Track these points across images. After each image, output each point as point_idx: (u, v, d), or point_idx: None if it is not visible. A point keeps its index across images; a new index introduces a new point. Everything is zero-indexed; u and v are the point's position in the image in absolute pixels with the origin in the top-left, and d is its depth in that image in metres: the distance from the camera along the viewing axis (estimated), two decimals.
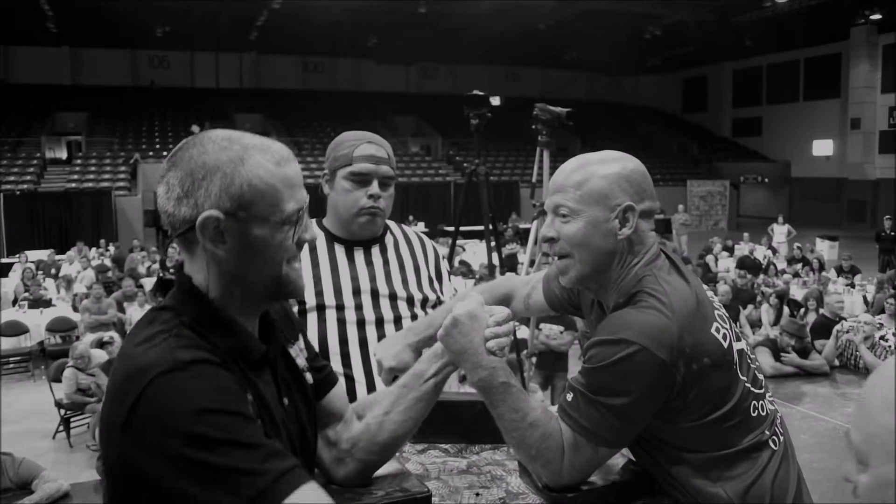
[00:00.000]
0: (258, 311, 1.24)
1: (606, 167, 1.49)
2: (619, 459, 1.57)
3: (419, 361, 1.49)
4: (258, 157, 1.15)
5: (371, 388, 1.97)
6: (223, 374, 1.07)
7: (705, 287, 1.54)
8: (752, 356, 1.52)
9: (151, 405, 1.01)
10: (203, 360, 1.06)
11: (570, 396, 1.42)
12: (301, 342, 1.39)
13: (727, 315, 1.51)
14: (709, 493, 1.42)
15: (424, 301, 2.15)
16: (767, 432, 1.46)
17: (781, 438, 1.50)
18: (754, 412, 1.44)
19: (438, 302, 2.19)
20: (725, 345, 1.41)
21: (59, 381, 7.26)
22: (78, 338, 9.66)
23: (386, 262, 2.14)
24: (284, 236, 1.16)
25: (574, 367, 1.53)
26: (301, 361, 1.36)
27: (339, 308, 2.02)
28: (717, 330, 1.42)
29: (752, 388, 1.46)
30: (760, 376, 1.52)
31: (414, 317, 2.10)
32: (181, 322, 1.12)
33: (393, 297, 2.09)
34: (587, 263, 1.48)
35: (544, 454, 1.41)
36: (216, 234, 1.13)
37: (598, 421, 1.38)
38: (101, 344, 7.79)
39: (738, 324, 8.97)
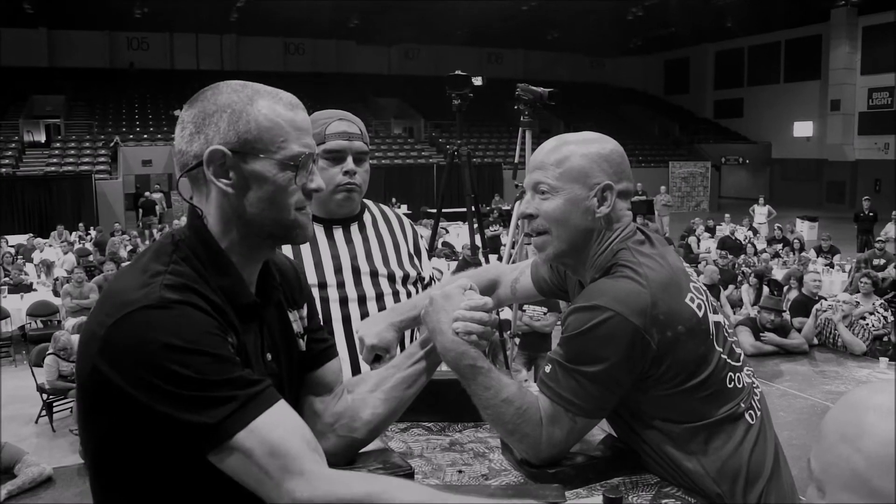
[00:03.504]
0: (259, 256, 1.26)
1: (586, 147, 1.52)
2: (601, 434, 1.59)
3: (412, 344, 1.52)
4: (268, 100, 1.18)
5: (355, 365, 1.98)
6: (204, 319, 1.10)
7: (686, 264, 1.57)
8: (729, 330, 1.55)
9: (129, 333, 1.05)
10: (188, 303, 1.09)
11: (548, 368, 1.45)
12: (305, 311, 1.42)
13: (704, 289, 1.54)
14: (686, 467, 1.46)
15: (405, 277, 2.16)
16: (743, 405, 1.48)
17: (759, 413, 1.53)
18: (730, 384, 1.47)
19: (419, 278, 2.20)
20: (700, 314, 1.44)
21: (41, 366, 7.23)
22: (59, 322, 9.61)
23: (366, 240, 2.14)
24: (289, 178, 1.18)
25: None
26: (297, 327, 1.39)
27: (322, 286, 2.02)
28: (692, 300, 1.44)
29: (729, 360, 1.48)
30: (738, 350, 1.54)
31: (395, 293, 2.11)
32: (181, 257, 1.16)
33: (374, 275, 2.10)
34: (564, 240, 1.51)
35: (521, 428, 1.43)
36: (221, 169, 1.16)
37: (575, 390, 1.40)
38: None
39: (718, 303, 9.09)
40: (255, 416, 1.07)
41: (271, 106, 1.18)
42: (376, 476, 1.14)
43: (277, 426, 1.08)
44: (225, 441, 1.05)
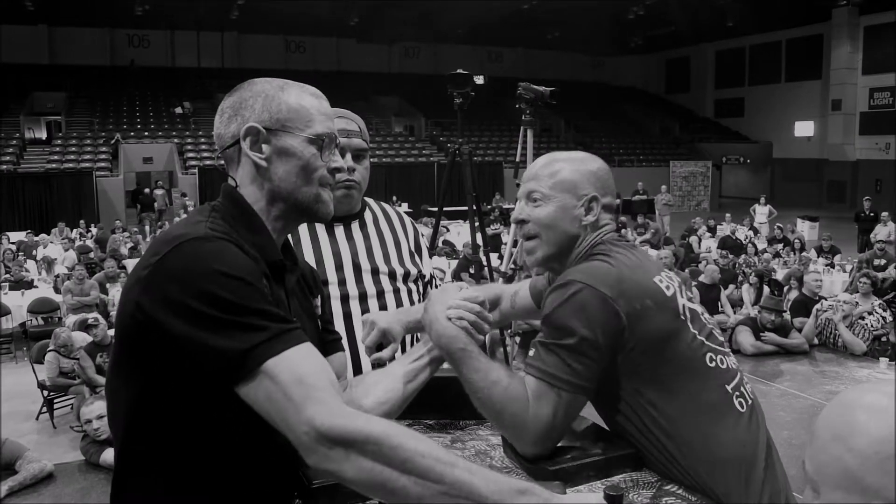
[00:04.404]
0: (285, 228, 1.38)
1: (577, 163, 1.68)
2: (600, 434, 1.60)
3: (416, 344, 1.59)
4: (296, 89, 1.36)
5: (355, 362, 1.99)
6: (244, 256, 1.21)
7: (669, 271, 1.64)
8: (708, 318, 1.62)
9: (175, 260, 1.16)
10: (232, 241, 1.22)
11: (532, 352, 1.52)
12: (319, 301, 1.52)
13: (679, 280, 1.61)
14: (675, 453, 1.49)
15: (406, 275, 2.16)
16: (730, 388, 1.54)
17: (749, 402, 1.57)
18: (711, 363, 1.54)
19: (419, 276, 2.21)
20: (669, 294, 1.53)
21: (42, 362, 7.23)
22: (60, 319, 9.61)
23: (367, 238, 2.15)
24: (314, 154, 1.33)
25: None
26: (317, 311, 1.49)
27: (323, 283, 2.03)
28: (661, 281, 1.54)
29: (707, 342, 1.55)
30: (720, 338, 1.62)
31: (396, 291, 2.12)
32: (218, 216, 1.29)
33: (375, 272, 2.11)
34: (553, 244, 1.64)
35: (509, 407, 1.46)
36: (256, 144, 1.32)
37: (556, 364, 1.46)
38: (85, 327, 7.74)
39: (719, 303, 9.09)
40: (285, 349, 1.14)
41: (299, 93, 1.35)
42: (396, 423, 1.18)
43: (305, 362, 1.15)
44: (254, 368, 1.12)
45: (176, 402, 1.21)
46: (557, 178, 1.64)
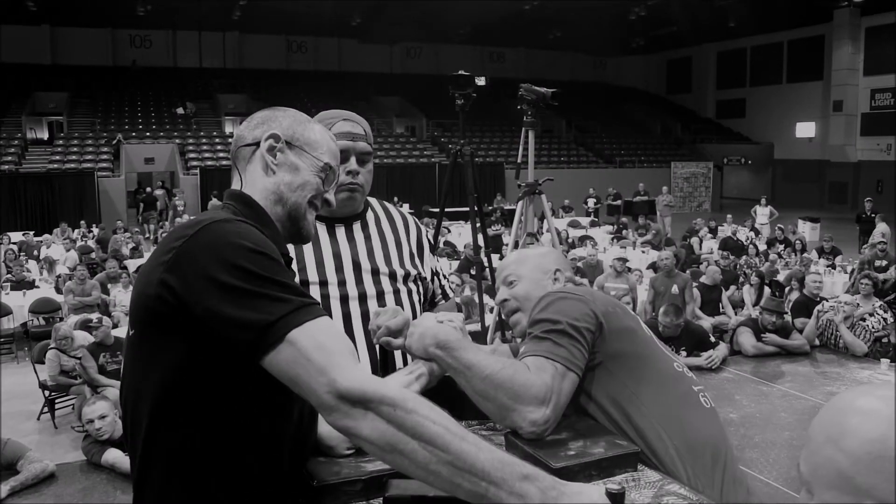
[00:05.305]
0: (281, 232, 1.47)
1: (540, 252, 2.12)
2: (602, 434, 1.61)
3: (411, 363, 1.69)
4: (321, 126, 1.55)
5: None
6: (265, 237, 1.30)
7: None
8: (669, 349, 1.93)
9: (202, 239, 1.24)
10: (253, 225, 1.32)
11: (523, 348, 1.71)
12: None
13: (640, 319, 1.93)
14: (654, 444, 1.63)
15: (407, 276, 2.17)
16: (695, 388, 1.80)
17: (712, 404, 1.81)
18: (679, 368, 1.81)
19: (419, 276, 2.21)
20: (631, 313, 1.84)
21: (43, 362, 7.24)
22: (62, 319, 9.62)
23: (368, 238, 2.15)
24: (316, 178, 1.48)
25: None
26: None
27: (323, 284, 2.04)
28: (620, 304, 1.87)
29: (671, 356, 1.84)
30: (680, 359, 1.96)
31: (397, 291, 2.12)
32: (230, 212, 1.38)
33: (376, 273, 2.11)
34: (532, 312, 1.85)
35: (509, 369, 1.59)
36: (272, 150, 1.46)
37: (549, 345, 1.67)
38: (86, 326, 7.75)
39: (720, 304, 9.08)
40: (307, 320, 1.21)
41: (323, 130, 1.54)
42: (411, 392, 1.25)
43: (326, 332, 1.23)
44: (279, 339, 1.19)
45: (199, 388, 1.25)
46: (527, 262, 2.02)
